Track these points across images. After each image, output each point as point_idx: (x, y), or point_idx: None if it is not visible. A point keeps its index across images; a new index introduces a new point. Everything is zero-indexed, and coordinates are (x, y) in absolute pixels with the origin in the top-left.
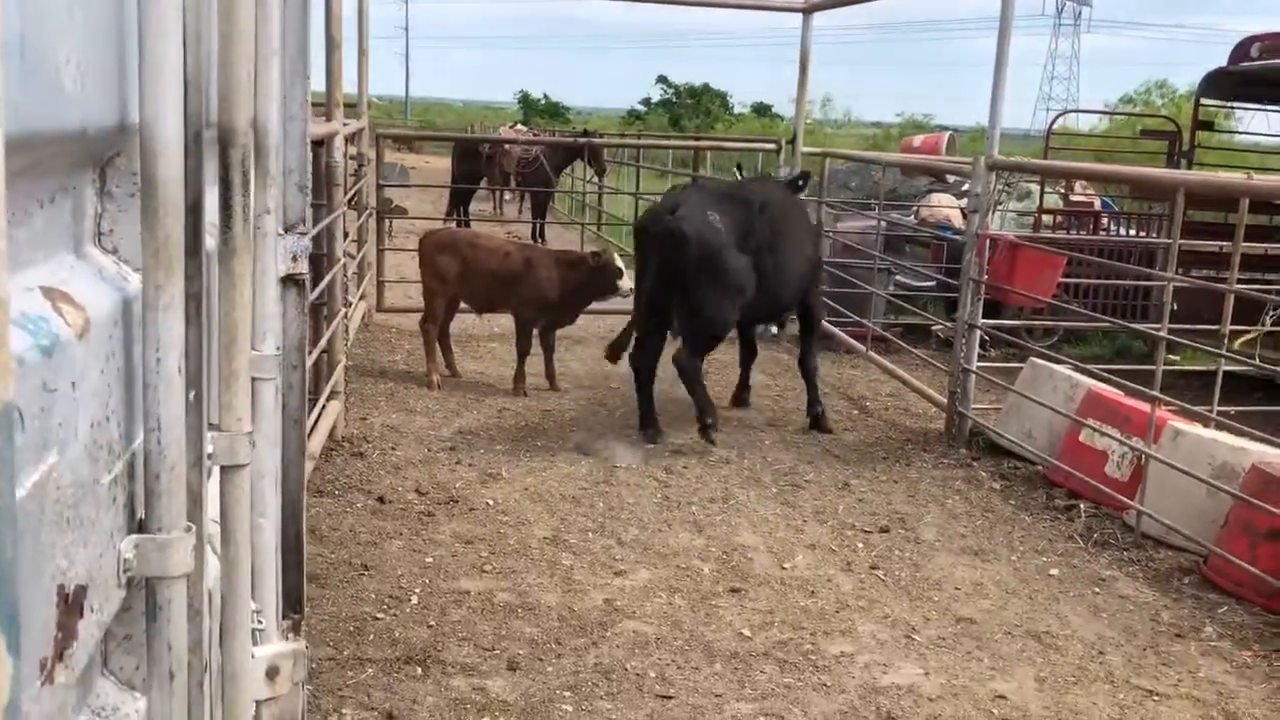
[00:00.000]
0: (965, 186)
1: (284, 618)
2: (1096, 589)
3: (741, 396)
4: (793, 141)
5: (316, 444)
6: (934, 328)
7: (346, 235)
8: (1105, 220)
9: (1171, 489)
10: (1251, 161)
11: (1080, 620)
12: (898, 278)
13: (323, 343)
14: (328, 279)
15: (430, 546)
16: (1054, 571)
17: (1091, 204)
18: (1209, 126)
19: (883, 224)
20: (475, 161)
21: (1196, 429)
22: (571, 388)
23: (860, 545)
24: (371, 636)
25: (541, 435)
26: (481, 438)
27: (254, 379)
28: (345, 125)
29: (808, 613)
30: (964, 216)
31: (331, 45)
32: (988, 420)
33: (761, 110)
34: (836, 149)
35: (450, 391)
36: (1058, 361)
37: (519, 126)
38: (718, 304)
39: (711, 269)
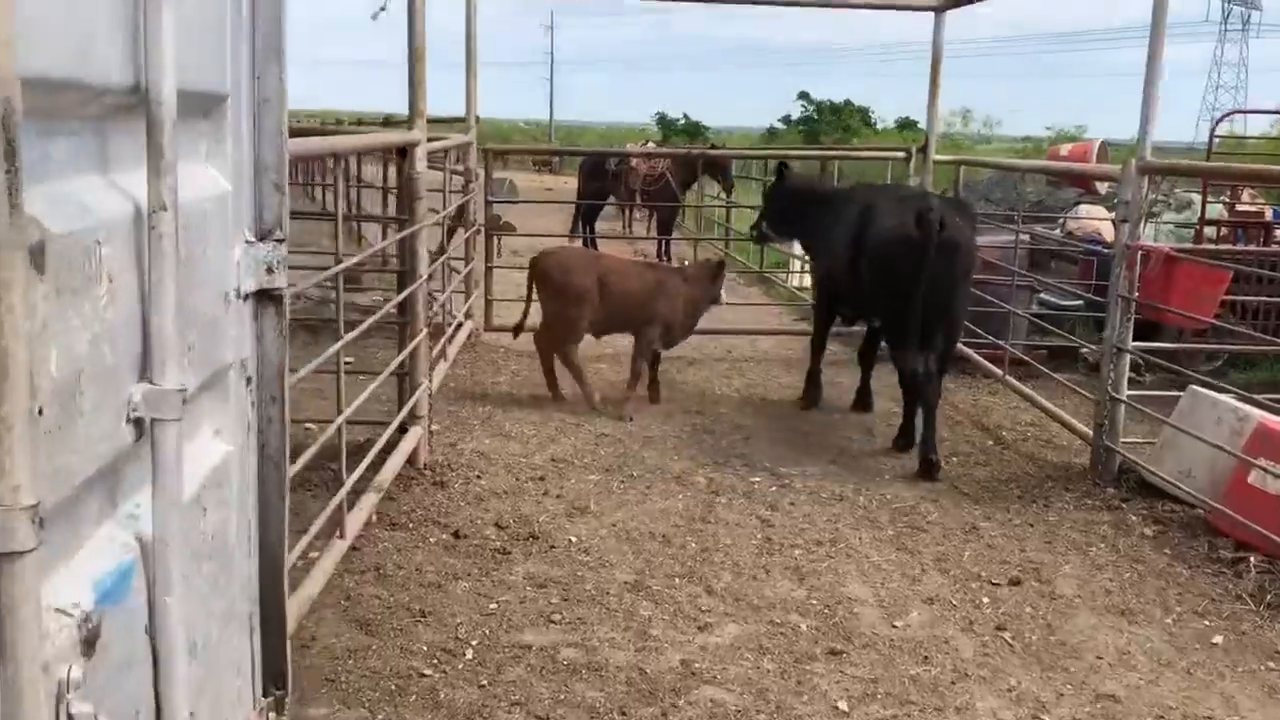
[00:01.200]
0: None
1: (265, 694)
2: (1271, 664)
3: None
4: (924, 149)
5: (389, 474)
6: (1081, 350)
7: (443, 251)
8: (1278, 232)
9: None
10: None
11: (1251, 703)
12: (1042, 295)
13: (395, 363)
14: (404, 294)
15: (498, 590)
16: (1217, 640)
17: (1262, 214)
18: None
19: (1025, 238)
20: (602, 179)
21: None
22: (678, 411)
23: (986, 600)
24: (414, 697)
25: (639, 464)
26: (575, 466)
27: (152, 421)
28: (444, 139)
29: (918, 683)
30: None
31: (414, 54)
32: (1140, 455)
33: (907, 125)
34: (972, 157)
35: (549, 414)
36: (1221, 389)
37: (650, 144)
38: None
39: (969, 280)
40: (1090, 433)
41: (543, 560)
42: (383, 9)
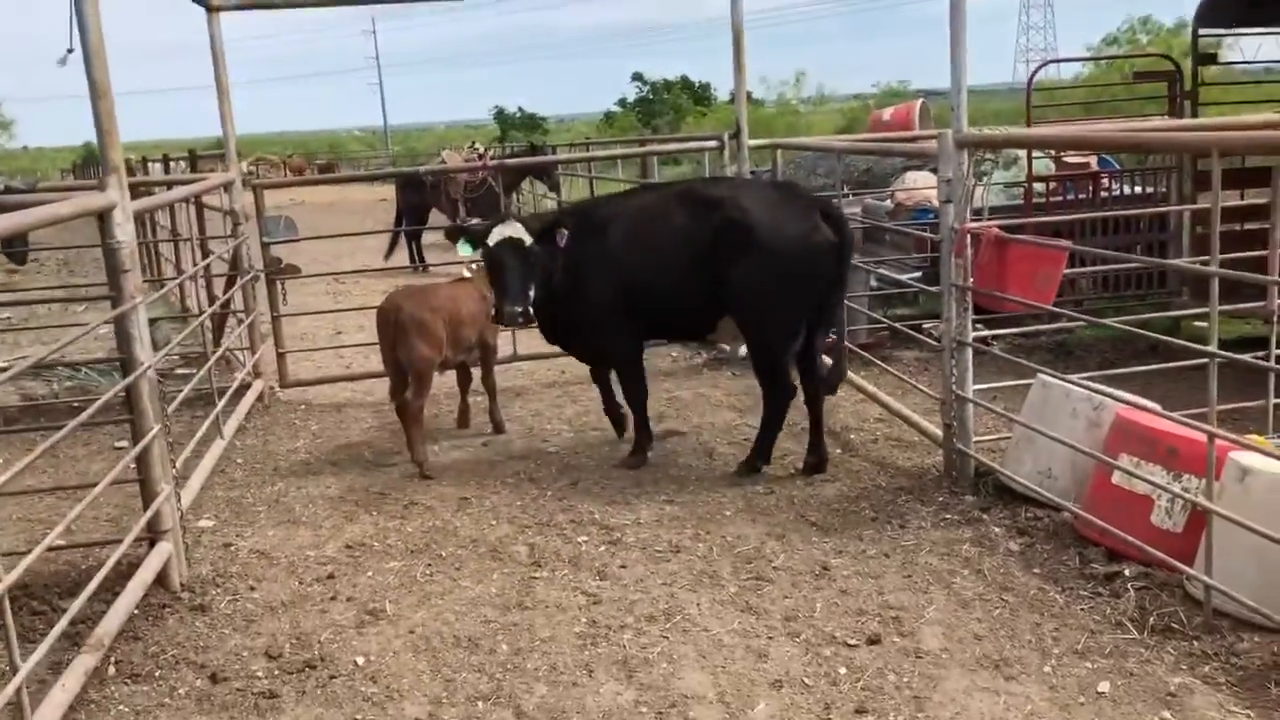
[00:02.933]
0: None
1: None
2: (1167, 711)
3: None
4: (736, 135)
5: (120, 615)
6: (925, 326)
7: (221, 301)
8: (1106, 180)
9: (1246, 547)
10: (1268, 94)
11: None
12: (880, 272)
13: (117, 471)
14: (123, 384)
15: None
16: (1103, 687)
17: (1088, 164)
18: (1212, 60)
19: (855, 214)
20: (420, 191)
21: (1274, 464)
22: (502, 459)
23: (843, 670)
24: None
25: (451, 538)
26: (374, 552)
27: None
28: (204, 179)
29: None
30: None
31: (97, 92)
32: (998, 454)
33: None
34: (786, 139)
35: (352, 483)
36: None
37: (478, 146)
38: None
39: None
40: (940, 433)
41: (317, 700)
42: (70, 51)
